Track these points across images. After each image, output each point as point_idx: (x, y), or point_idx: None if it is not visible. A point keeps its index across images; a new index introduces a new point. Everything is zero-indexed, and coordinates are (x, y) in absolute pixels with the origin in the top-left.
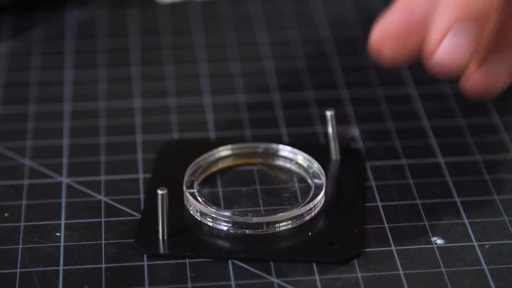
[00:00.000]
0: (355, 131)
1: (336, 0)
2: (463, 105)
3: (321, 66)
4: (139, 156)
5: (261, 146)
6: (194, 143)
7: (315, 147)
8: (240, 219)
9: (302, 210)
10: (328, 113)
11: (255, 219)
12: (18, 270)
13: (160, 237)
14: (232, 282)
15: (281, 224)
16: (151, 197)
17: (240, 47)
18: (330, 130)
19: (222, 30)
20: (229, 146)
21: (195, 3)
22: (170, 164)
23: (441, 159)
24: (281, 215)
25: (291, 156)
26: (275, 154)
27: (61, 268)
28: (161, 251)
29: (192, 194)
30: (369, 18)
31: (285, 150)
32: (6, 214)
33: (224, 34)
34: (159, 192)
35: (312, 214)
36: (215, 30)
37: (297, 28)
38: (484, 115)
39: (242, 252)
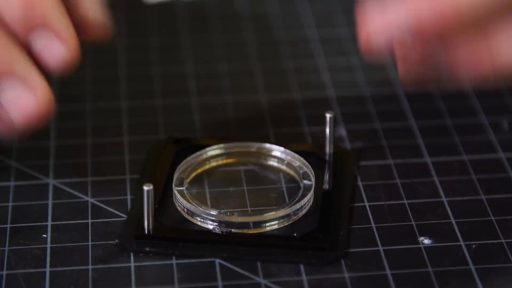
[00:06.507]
0: (341, 131)
1: (323, 1)
2: (450, 105)
3: (308, 67)
4: (126, 157)
5: (254, 145)
6: (185, 142)
7: (305, 148)
8: (226, 218)
9: (289, 210)
10: (328, 115)
11: (241, 219)
12: (4, 272)
13: (146, 234)
14: (219, 283)
15: (267, 224)
16: (139, 197)
17: (227, 47)
18: (327, 132)
19: (209, 30)
20: (221, 145)
21: (182, 3)
22: (160, 163)
23: (428, 159)
24: (267, 215)
25: (282, 157)
26: (267, 154)
27: (47, 269)
28: (147, 248)
29: (181, 192)
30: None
31: (276, 151)
32: None
33: (211, 35)
34: (145, 188)
35: (300, 214)
36: (202, 30)
37: (284, 29)
38: (471, 115)
39: (229, 252)
